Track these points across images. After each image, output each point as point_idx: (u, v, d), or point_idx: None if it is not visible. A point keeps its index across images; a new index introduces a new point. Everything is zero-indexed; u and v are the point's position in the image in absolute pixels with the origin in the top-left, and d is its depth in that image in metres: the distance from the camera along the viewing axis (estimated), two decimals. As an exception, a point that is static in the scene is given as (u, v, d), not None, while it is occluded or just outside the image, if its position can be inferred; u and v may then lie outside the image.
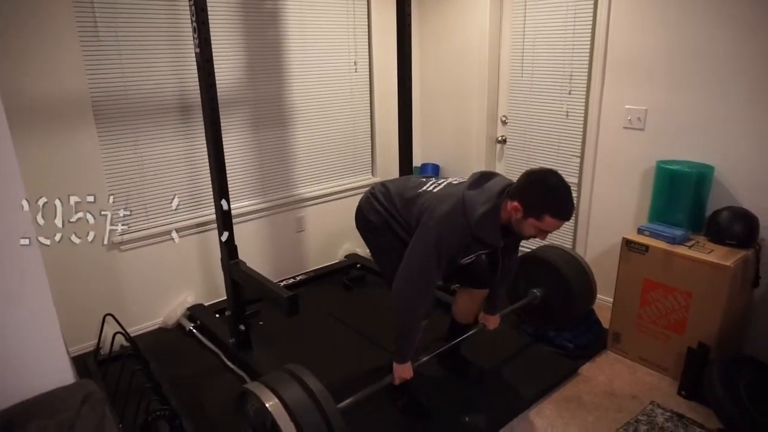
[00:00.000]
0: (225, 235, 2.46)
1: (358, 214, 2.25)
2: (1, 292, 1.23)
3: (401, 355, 2.00)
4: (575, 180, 3.13)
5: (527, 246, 2.98)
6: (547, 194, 1.75)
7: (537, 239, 1.92)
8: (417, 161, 3.88)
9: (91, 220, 2.64)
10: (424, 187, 2.05)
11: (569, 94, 3.09)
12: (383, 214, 2.14)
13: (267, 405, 1.57)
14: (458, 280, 2.41)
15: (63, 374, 1.34)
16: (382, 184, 2.24)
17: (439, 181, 2.08)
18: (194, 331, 2.90)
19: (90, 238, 2.65)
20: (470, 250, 1.98)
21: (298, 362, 1.83)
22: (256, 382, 1.71)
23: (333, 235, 3.72)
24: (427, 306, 1.96)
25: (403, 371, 2.01)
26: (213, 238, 3.05)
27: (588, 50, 2.94)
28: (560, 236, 3.29)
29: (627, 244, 2.54)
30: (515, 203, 1.78)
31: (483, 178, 1.95)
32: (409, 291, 1.90)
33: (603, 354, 2.70)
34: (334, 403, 1.66)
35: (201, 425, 2.16)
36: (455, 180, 2.07)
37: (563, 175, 1.80)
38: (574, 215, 3.17)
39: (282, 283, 3.32)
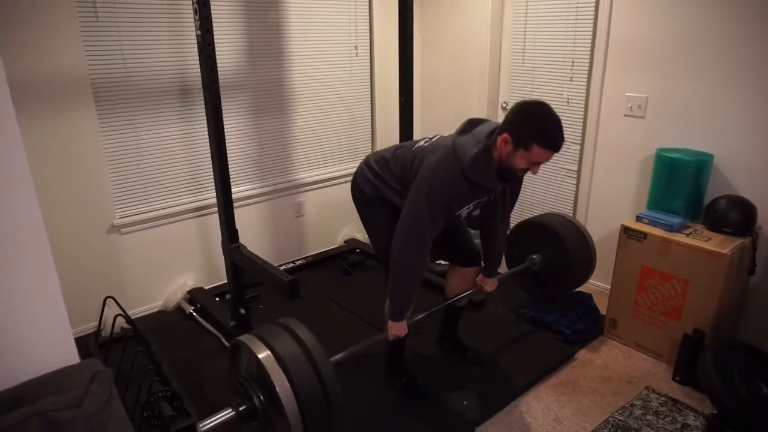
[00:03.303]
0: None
1: (353, 185, 2.23)
2: (6, 271, 1.24)
3: (396, 313, 1.98)
4: (575, 167, 3.14)
5: (528, 212, 2.99)
6: (535, 124, 1.73)
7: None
8: (417, 147, 3.87)
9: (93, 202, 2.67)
10: (418, 144, 2.04)
11: (570, 81, 3.09)
12: (376, 184, 2.11)
13: (259, 356, 1.56)
14: (447, 257, 2.41)
15: (68, 354, 1.36)
16: (377, 152, 2.22)
17: (431, 137, 2.06)
18: (194, 314, 2.92)
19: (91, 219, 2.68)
20: (466, 198, 1.92)
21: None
22: (249, 334, 1.69)
23: (332, 220, 3.73)
24: (423, 262, 1.91)
25: (398, 329, 2.00)
26: (213, 222, 3.06)
27: (590, 37, 2.93)
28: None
29: (625, 231, 2.56)
30: (504, 135, 1.76)
31: (472, 123, 1.93)
32: (405, 247, 1.88)
33: (599, 339, 2.73)
34: (327, 356, 1.65)
35: (202, 406, 2.19)
36: (446, 135, 2.03)
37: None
38: (573, 201, 3.19)
39: (282, 268, 3.33)
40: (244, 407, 1.61)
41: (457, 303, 2.46)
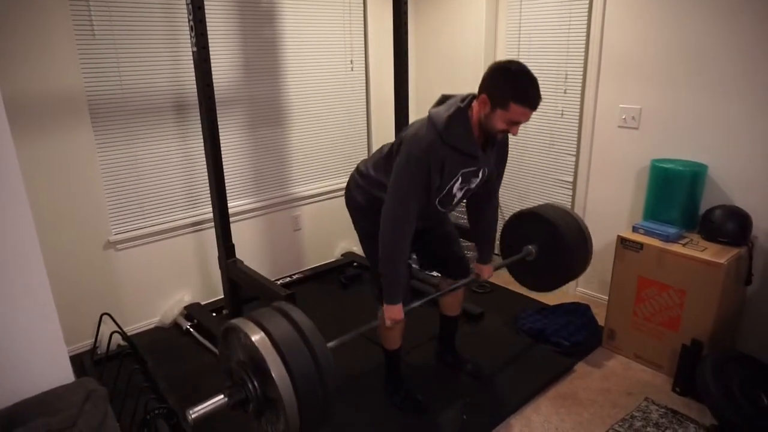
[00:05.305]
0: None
1: (346, 194, 2.20)
2: (1, 290, 1.23)
3: (390, 295, 1.93)
4: (570, 179, 3.14)
5: (525, 202, 2.98)
6: (510, 81, 1.73)
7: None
8: (413, 160, 3.88)
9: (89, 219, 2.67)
10: (401, 134, 2.01)
11: (564, 93, 3.11)
12: (367, 188, 2.07)
13: (254, 339, 1.48)
14: (439, 268, 2.39)
15: (63, 373, 1.34)
16: (366, 159, 2.20)
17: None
18: (191, 330, 2.90)
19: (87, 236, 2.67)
20: (449, 167, 1.86)
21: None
22: (241, 318, 1.61)
23: (329, 234, 3.73)
24: (410, 236, 1.88)
25: (393, 312, 1.94)
26: (209, 237, 3.05)
27: (583, 50, 2.96)
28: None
29: (622, 242, 2.56)
30: (482, 96, 1.78)
31: (446, 97, 1.96)
32: (390, 221, 1.86)
33: (598, 351, 2.72)
34: (323, 340, 1.60)
35: (199, 423, 2.16)
36: None
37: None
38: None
39: (279, 282, 3.32)
40: (236, 393, 1.54)
41: (450, 315, 2.45)
